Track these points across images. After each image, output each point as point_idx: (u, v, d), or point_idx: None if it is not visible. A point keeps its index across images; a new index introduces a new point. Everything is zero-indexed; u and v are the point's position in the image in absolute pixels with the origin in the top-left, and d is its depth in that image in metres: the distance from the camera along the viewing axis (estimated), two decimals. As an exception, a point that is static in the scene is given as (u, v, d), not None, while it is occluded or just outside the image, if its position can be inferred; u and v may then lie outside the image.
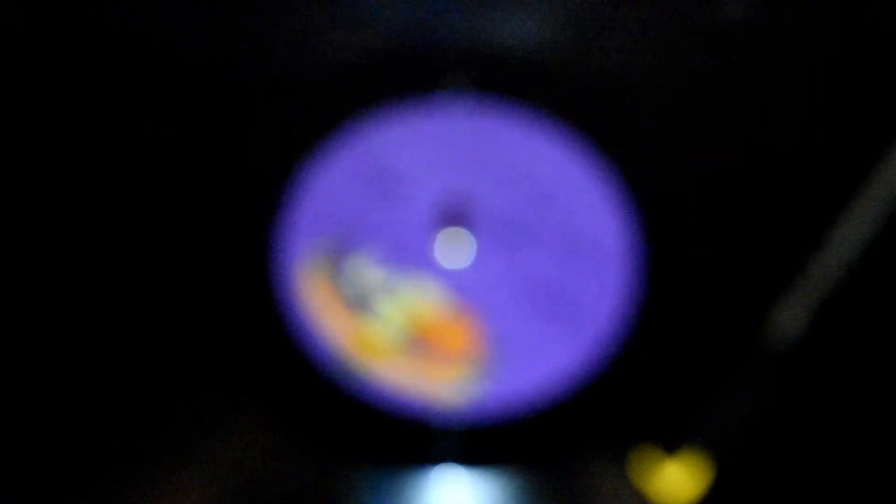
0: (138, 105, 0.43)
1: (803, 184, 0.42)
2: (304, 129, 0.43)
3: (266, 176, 0.43)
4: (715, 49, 0.43)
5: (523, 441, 0.42)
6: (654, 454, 0.42)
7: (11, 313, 0.42)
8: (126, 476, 0.41)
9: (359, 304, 0.43)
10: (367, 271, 0.43)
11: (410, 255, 0.43)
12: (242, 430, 0.42)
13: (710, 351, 0.42)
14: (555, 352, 0.42)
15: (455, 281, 0.43)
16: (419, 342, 0.42)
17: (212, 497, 0.41)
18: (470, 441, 0.42)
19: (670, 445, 0.42)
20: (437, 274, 0.43)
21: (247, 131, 0.43)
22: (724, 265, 0.43)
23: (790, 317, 0.42)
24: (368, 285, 0.43)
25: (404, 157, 0.43)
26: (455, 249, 0.43)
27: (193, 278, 0.43)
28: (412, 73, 0.43)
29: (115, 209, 0.42)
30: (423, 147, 0.43)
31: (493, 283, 0.43)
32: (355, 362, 0.42)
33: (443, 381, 0.42)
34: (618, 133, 0.43)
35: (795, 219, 0.42)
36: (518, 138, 0.43)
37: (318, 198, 0.43)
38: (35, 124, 0.42)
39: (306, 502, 0.42)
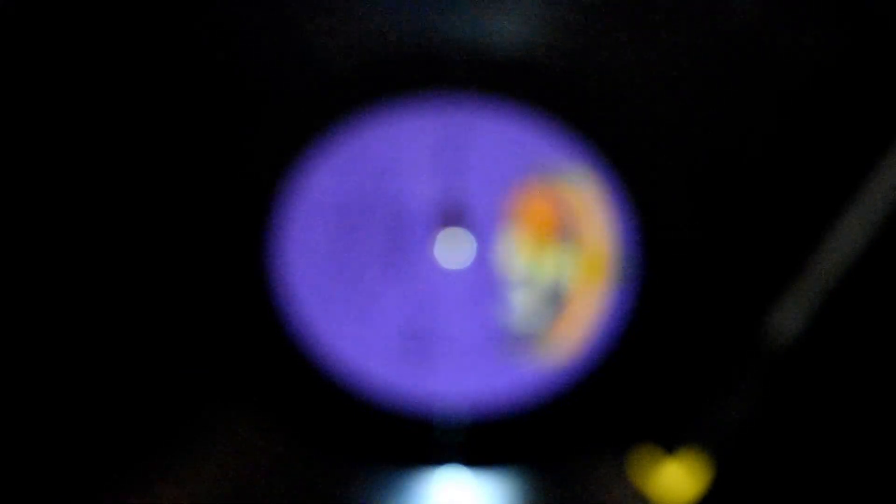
0: (138, 98, 0.43)
1: (803, 184, 0.42)
2: (303, 127, 0.43)
3: (262, 174, 0.43)
4: (715, 50, 0.43)
5: (522, 441, 0.42)
6: (654, 454, 0.42)
7: (10, 313, 0.42)
8: (125, 476, 0.41)
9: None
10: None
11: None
12: (242, 430, 0.42)
13: (709, 351, 0.42)
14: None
15: (442, 280, 0.43)
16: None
17: (211, 497, 0.41)
18: (470, 441, 0.42)
19: (670, 445, 0.42)
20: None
21: (245, 129, 0.43)
22: (723, 265, 0.43)
23: (789, 317, 0.42)
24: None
25: (404, 156, 0.43)
26: (455, 250, 0.43)
27: (193, 278, 0.43)
28: (412, 73, 0.43)
29: (115, 208, 0.42)
30: (422, 147, 0.43)
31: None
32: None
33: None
34: (617, 134, 0.43)
35: (795, 219, 0.42)
36: (517, 139, 0.43)
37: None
38: (33, 123, 0.42)
39: (306, 502, 0.42)
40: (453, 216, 0.43)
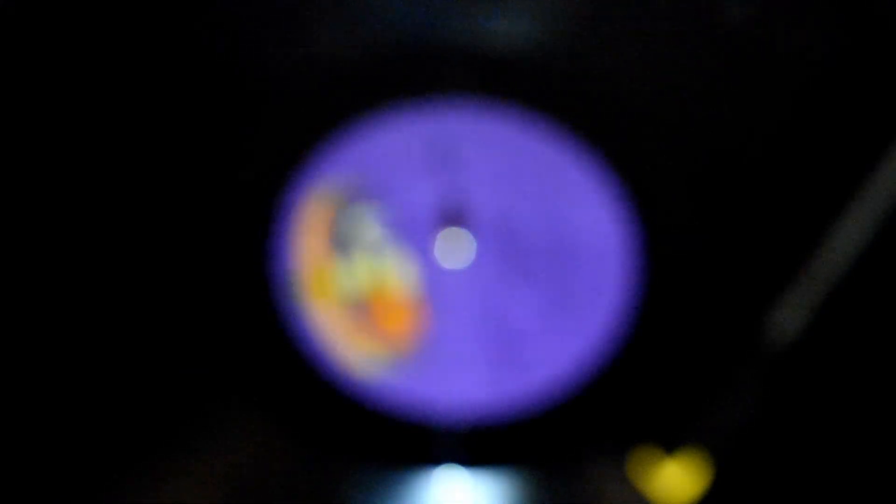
0: (141, 99, 0.43)
1: (802, 184, 0.42)
2: (304, 128, 0.43)
3: (264, 175, 0.43)
4: (715, 50, 0.43)
5: (523, 441, 0.42)
6: (654, 454, 0.42)
7: (10, 313, 0.42)
8: (125, 476, 0.41)
9: (341, 245, 0.43)
10: (366, 222, 0.43)
11: (410, 234, 0.43)
12: (242, 431, 0.42)
13: (709, 351, 0.42)
14: (476, 383, 0.42)
15: (435, 275, 0.43)
16: (365, 308, 0.43)
17: (211, 497, 0.41)
18: (470, 442, 0.42)
19: (669, 445, 0.42)
20: (423, 261, 0.43)
21: (246, 130, 0.43)
22: (723, 265, 0.43)
23: (789, 317, 0.42)
24: (359, 235, 0.43)
25: (404, 156, 0.43)
26: (455, 250, 0.43)
27: (194, 278, 0.43)
28: (412, 73, 0.43)
29: (118, 209, 0.42)
30: (423, 147, 0.43)
31: (468, 293, 0.43)
32: (303, 295, 0.42)
33: (362, 352, 0.42)
34: (617, 134, 0.43)
35: (794, 219, 0.42)
36: (517, 139, 0.43)
37: (351, 149, 0.43)
38: (34, 124, 0.42)
39: (306, 502, 0.42)
40: (453, 216, 0.43)
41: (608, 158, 0.43)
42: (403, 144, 0.43)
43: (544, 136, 0.43)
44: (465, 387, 0.42)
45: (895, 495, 0.41)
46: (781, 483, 0.41)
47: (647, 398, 0.42)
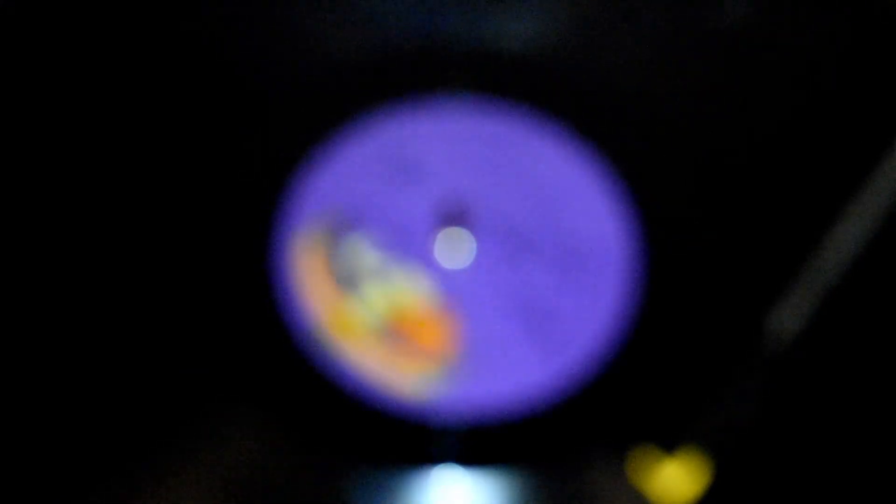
0: (142, 99, 0.43)
1: (802, 185, 0.42)
2: (307, 126, 0.43)
3: (265, 175, 0.43)
4: (715, 50, 0.43)
5: (523, 441, 0.42)
6: (653, 454, 0.42)
7: (10, 313, 0.42)
8: (125, 476, 0.41)
9: (347, 283, 0.43)
10: (363, 253, 0.43)
11: (408, 247, 0.43)
12: (241, 431, 0.42)
13: (708, 351, 0.42)
14: (528, 368, 0.42)
15: (446, 279, 0.43)
16: (396, 332, 0.42)
17: (211, 497, 0.41)
18: (469, 441, 0.42)
19: (669, 445, 0.42)
20: (430, 269, 0.43)
21: (246, 131, 0.43)
22: (723, 266, 0.43)
23: (788, 318, 0.42)
24: (361, 267, 0.43)
25: (407, 155, 0.43)
26: (455, 249, 0.43)
27: (193, 279, 0.43)
28: (413, 73, 0.43)
29: (119, 209, 0.42)
30: (424, 147, 0.43)
31: (484, 287, 0.43)
32: (328, 339, 0.42)
33: (408, 375, 0.42)
34: (617, 134, 0.43)
35: (794, 220, 0.42)
36: (518, 139, 0.43)
37: (325, 177, 0.43)
38: (35, 125, 0.42)
39: (306, 502, 0.42)
40: (453, 216, 0.43)
41: (608, 158, 0.43)
42: (370, 162, 0.43)
43: (544, 136, 0.43)
44: (520, 372, 0.42)
45: (895, 495, 0.41)
46: (781, 483, 0.41)
47: (647, 398, 0.42)
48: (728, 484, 0.41)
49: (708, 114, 0.43)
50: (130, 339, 0.42)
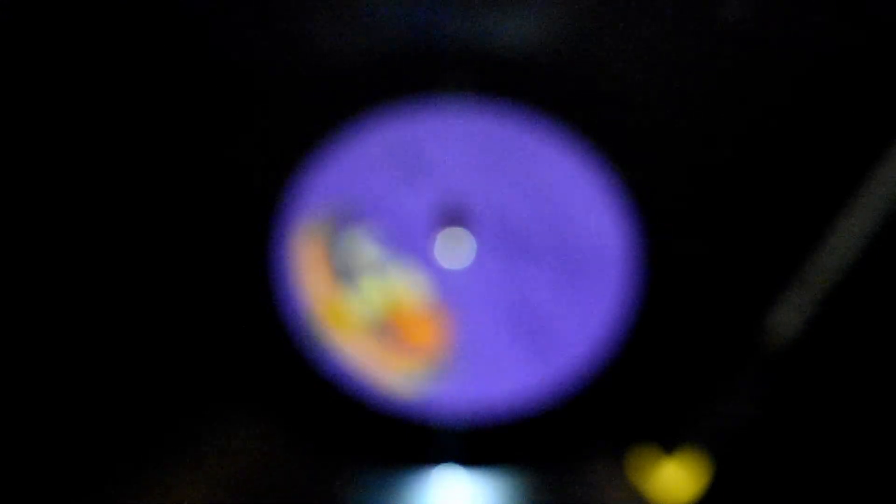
0: (143, 99, 0.43)
1: (802, 185, 0.42)
2: (308, 124, 0.43)
3: (264, 176, 0.43)
4: (715, 50, 0.43)
5: (523, 441, 0.42)
6: (653, 454, 0.42)
7: (11, 313, 0.42)
8: (124, 476, 0.41)
9: (345, 276, 0.43)
10: (363, 246, 0.43)
11: (407, 244, 0.43)
12: (242, 431, 0.42)
13: (708, 351, 0.42)
14: (524, 368, 0.42)
15: (444, 278, 0.43)
16: (389, 327, 0.43)
17: (210, 497, 0.41)
18: (468, 441, 0.42)
19: (669, 445, 0.42)
20: (428, 267, 0.43)
21: (246, 131, 0.43)
22: (723, 265, 0.43)
23: (788, 317, 0.42)
24: (359, 260, 0.43)
25: (407, 155, 0.43)
26: (455, 250, 0.43)
27: (193, 280, 0.43)
28: (413, 73, 0.43)
29: (119, 210, 0.42)
30: (424, 147, 0.43)
31: (482, 287, 0.43)
32: (322, 330, 0.42)
33: (398, 371, 0.42)
34: (617, 134, 0.43)
35: (794, 220, 0.42)
36: (518, 139, 0.43)
37: (327, 173, 0.43)
38: (35, 126, 0.42)
39: (306, 502, 0.42)
40: (453, 216, 0.43)
41: (608, 158, 0.43)
42: (375, 158, 0.43)
43: (544, 136, 0.43)
44: (510, 376, 0.42)
45: (895, 495, 0.41)
46: (781, 483, 0.41)
47: (647, 398, 0.42)
48: (728, 484, 0.41)
49: (708, 114, 0.43)
50: (127, 331, 0.42)
